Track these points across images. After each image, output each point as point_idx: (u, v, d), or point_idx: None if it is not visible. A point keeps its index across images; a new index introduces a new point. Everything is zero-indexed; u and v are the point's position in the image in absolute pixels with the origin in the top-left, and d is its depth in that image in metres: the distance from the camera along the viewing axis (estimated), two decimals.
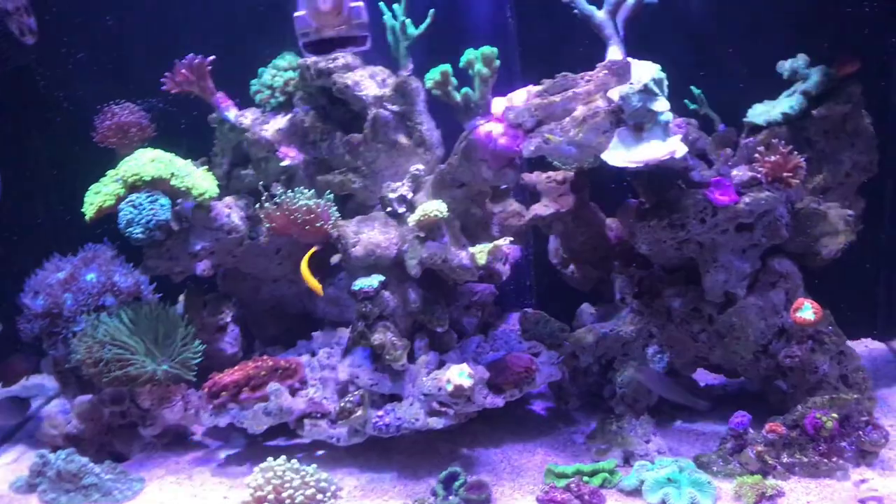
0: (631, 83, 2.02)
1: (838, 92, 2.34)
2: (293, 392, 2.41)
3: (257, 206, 2.44)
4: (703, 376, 2.63)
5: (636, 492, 2.15)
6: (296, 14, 1.91)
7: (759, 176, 2.20)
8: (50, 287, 2.55)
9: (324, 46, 1.96)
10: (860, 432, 2.16)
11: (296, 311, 2.78)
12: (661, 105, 2.02)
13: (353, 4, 1.86)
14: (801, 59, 2.38)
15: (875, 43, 2.48)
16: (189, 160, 2.49)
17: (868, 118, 2.38)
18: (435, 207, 2.18)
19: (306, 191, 2.35)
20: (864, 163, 2.39)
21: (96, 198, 2.40)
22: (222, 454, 2.56)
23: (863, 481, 2.06)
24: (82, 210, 2.43)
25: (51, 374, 2.76)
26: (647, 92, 2.00)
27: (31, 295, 2.57)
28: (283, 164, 2.44)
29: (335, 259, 2.74)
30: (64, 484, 2.39)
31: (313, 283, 2.24)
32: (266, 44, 2.59)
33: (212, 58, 2.43)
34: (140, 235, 2.37)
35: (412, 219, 2.23)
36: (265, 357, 2.50)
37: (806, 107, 2.35)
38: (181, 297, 2.67)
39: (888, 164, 2.50)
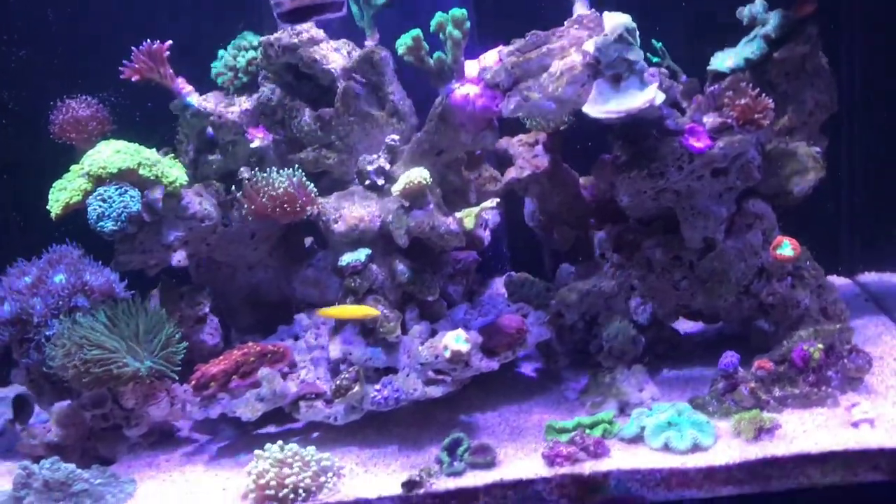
0: (605, 34, 2.04)
1: (797, 33, 2.41)
2: (284, 376, 2.38)
3: (232, 190, 2.39)
4: (682, 325, 2.69)
5: (638, 439, 2.18)
6: None
7: (729, 121, 2.25)
8: (17, 293, 2.46)
9: (299, 15, 1.93)
10: (844, 360, 2.24)
11: (273, 298, 2.73)
12: (636, 55, 2.05)
13: None
14: (759, 5, 2.44)
15: None
16: (153, 149, 2.42)
17: (825, 58, 2.45)
18: (418, 174, 2.17)
19: (281, 171, 2.31)
20: (824, 101, 2.47)
21: (62, 195, 2.31)
22: (213, 447, 2.51)
23: (854, 405, 2.15)
24: (48, 208, 2.34)
25: (22, 384, 2.66)
26: (622, 41, 2.03)
27: None
28: (253, 145, 2.39)
29: (309, 241, 2.73)
30: (52, 493, 2.31)
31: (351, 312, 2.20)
32: (222, 24, 2.53)
33: (168, 43, 2.36)
34: (113, 228, 2.30)
35: (396, 188, 2.22)
36: (250, 343, 2.46)
37: (767, 51, 2.41)
38: (154, 292, 2.60)
39: (843, 101, 2.58)
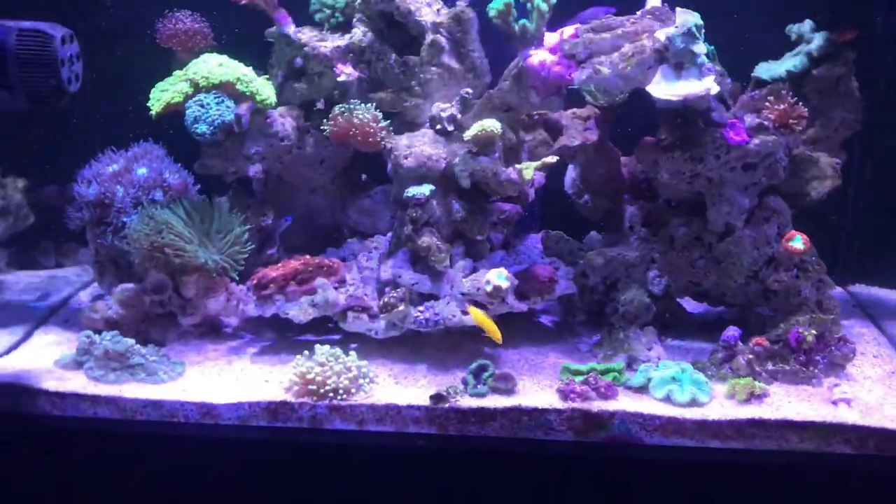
0: (676, 26, 2.31)
1: (836, 56, 2.69)
2: (334, 289, 2.63)
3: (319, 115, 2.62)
4: (687, 305, 2.97)
5: (643, 389, 2.46)
6: None
7: (766, 122, 2.52)
8: (103, 178, 2.69)
9: None
10: (832, 347, 2.53)
11: (325, 223, 2.99)
12: (700, 48, 2.32)
13: None
14: (807, 25, 2.72)
15: (864, 17, 2.85)
16: (251, 67, 2.66)
17: (856, 82, 2.74)
18: (491, 124, 2.43)
19: (362, 105, 2.57)
20: (850, 120, 2.75)
21: (164, 94, 2.56)
22: (256, 346, 2.76)
23: (836, 385, 2.44)
24: (147, 105, 2.58)
25: (88, 263, 2.89)
26: (689, 35, 2.30)
27: (84, 184, 2.70)
28: (339, 79, 2.63)
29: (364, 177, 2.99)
30: (111, 362, 2.55)
31: (489, 325, 2.42)
32: None
33: None
34: (205, 132, 2.55)
35: (468, 134, 2.48)
36: (308, 256, 2.71)
37: (808, 67, 2.69)
38: (224, 198, 2.84)
39: (864, 124, 2.86)
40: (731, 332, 2.56)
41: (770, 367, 2.52)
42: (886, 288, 3.15)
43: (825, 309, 2.64)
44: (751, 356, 2.52)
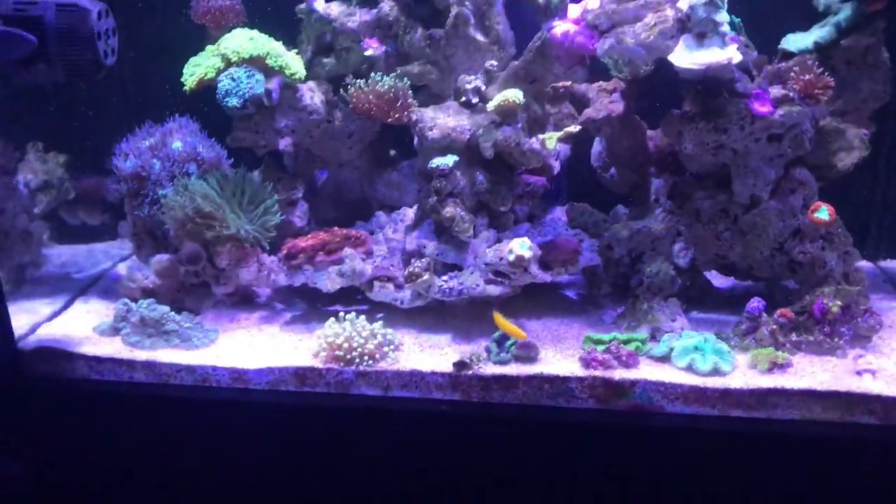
0: None
1: (865, 26, 2.65)
2: (361, 260, 2.69)
3: (340, 92, 2.69)
4: (715, 279, 2.97)
5: (665, 358, 2.48)
6: None
7: (791, 94, 2.51)
8: (140, 151, 2.78)
9: None
10: (858, 319, 2.51)
11: (353, 197, 3.05)
12: (723, 17, 2.32)
13: None
14: None
15: None
16: (280, 42, 2.73)
17: (886, 52, 2.71)
18: (513, 94, 2.47)
19: (385, 76, 2.62)
20: (879, 91, 2.72)
21: (197, 69, 2.64)
22: (287, 315, 2.84)
23: (860, 356, 2.44)
24: (181, 80, 2.67)
25: (126, 235, 2.99)
26: (711, 4, 2.30)
27: (122, 158, 2.80)
28: (367, 53, 2.69)
29: (393, 153, 3.04)
30: (147, 329, 2.65)
31: (512, 328, 2.46)
32: None
33: None
34: (236, 105, 2.62)
35: (491, 104, 2.51)
36: (337, 228, 2.78)
37: (836, 37, 2.66)
38: (257, 172, 2.91)
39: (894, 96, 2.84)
40: (756, 303, 2.56)
41: (794, 338, 2.52)
42: None
43: (851, 281, 2.63)
44: (774, 327, 2.52)
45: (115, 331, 2.70)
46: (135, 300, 2.71)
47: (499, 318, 2.47)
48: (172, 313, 2.66)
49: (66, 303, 2.94)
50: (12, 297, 2.90)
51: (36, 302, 2.93)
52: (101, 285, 3.10)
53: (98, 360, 2.57)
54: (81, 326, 2.75)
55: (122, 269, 3.23)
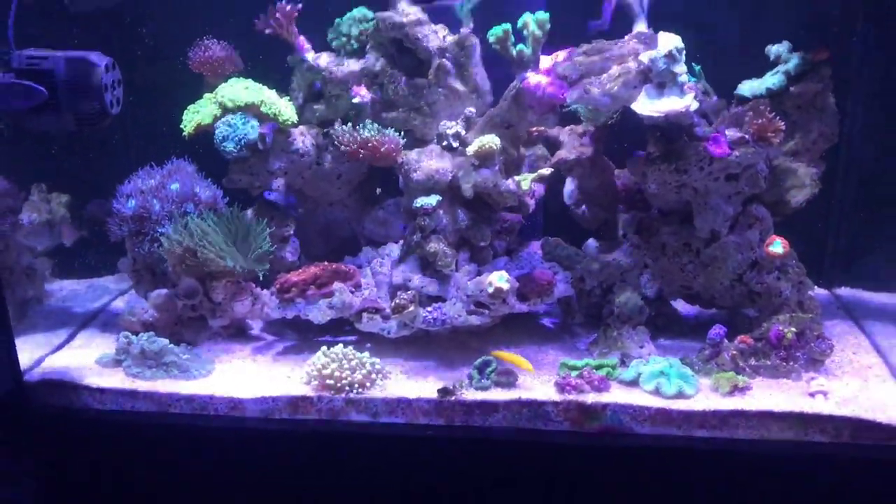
0: (657, 50, 2.54)
1: (813, 73, 2.89)
2: (350, 293, 2.86)
3: (328, 134, 2.88)
4: (681, 307, 3.16)
5: (634, 383, 2.65)
6: None
7: (746, 136, 2.73)
8: (141, 193, 2.95)
9: None
10: (811, 344, 2.71)
11: (343, 234, 3.23)
12: (680, 69, 2.55)
13: None
14: (784, 45, 2.92)
15: (844, 37, 3.06)
16: (273, 90, 2.92)
17: (832, 98, 2.94)
18: (491, 139, 2.68)
19: (375, 124, 2.82)
20: (827, 133, 2.95)
21: (195, 116, 2.82)
22: (279, 346, 2.99)
23: (812, 378, 2.63)
24: (180, 126, 2.85)
25: (127, 271, 3.15)
26: (670, 57, 2.53)
27: (123, 199, 2.96)
28: (354, 101, 2.88)
29: (379, 190, 3.23)
30: (147, 360, 2.80)
31: (517, 360, 2.64)
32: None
33: (300, 6, 2.86)
34: (232, 150, 2.80)
35: (470, 148, 2.72)
36: (327, 263, 2.95)
37: (786, 84, 2.89)
38: (251, 210, 3.09)
39: (844, 136, 3.06)
40: (717, 330, 2.75)
41: (753, 362, 2.71)
42: (868, 290, 3.33)
43: (805, 308, 2.83)
44: (735, 352, 2.71)
45: (117, 363, 2.84)
46: (135, 333, 2.84)
47: (501, 355, 2.64)
48: (171, 345, 2.80)
49: (68, 336, 3.09)
50: (17, 330, 3.03)
51: (40, 335, 3.08)
52: (101, 319, 3.25)
53: (101, 390, 2.70)
54: (84, 359, 2.89)
55: (120, 303, 3.38)
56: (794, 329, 2.70)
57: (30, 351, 2.92)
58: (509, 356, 2.65)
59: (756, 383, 2.65)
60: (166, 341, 2.81)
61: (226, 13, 3.15)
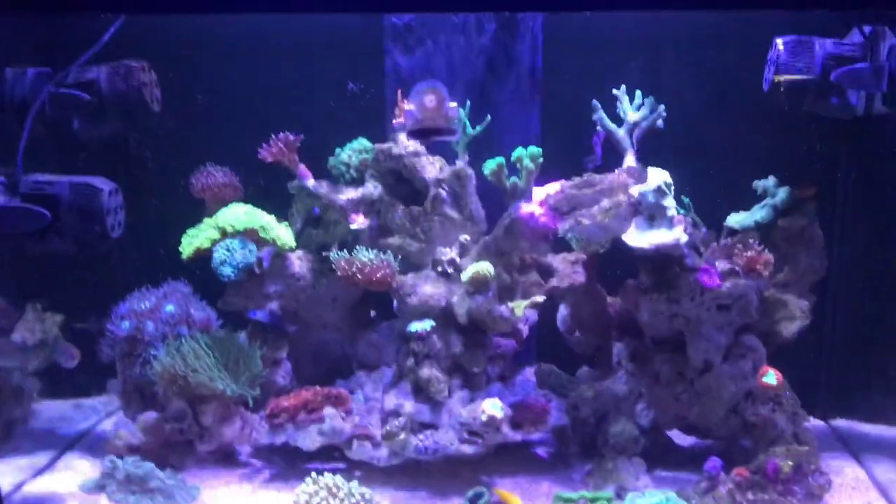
0: (647, 184, 2.62)
1: (799, 208, 2.98)
2: (342, 419, 2.83)
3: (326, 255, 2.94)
4: (677, 437, 3.12)
5: None
6: (405, 107, 2.48)
7: (736, 268, 2.78)
8: (136, 314, 2.96)
9: (424, 134, 2.52)
10: (809, 478, 2.67)
11: (335, 356, 3.23)
12: (669, 202, 2.62)
13: (450, 105, 2.44)
14: (771, 181, 3.02)
15: (830, 174, 3.17)
16: (272, 216, 2.99)
17: (820, 231, 3.01)
18: (485, 267, 2.73)
19: (371, 251, 2.87)
20: (816, 266, 3.01)
21: (194, 240, 2.87)
22: (267, 472, 2.94)
23: None
24: (179, 249, 2.90)
25: (115, 393, 3.12)
26: (659, 192, 2.61)
27: (118, 321, 2.97)
28: (353, 227, 2.94)
29: (373, 313, 3.25)
30: (131, 486, 2.74)
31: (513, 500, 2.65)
32: (335, 128, 3.16)
33: (301, 136, 2.96)
34: (230, 274, 2.84)
35: (465, 275, 2.76)
36: (318, 387, 2.93)
37: (773, 218, 2.97)
38: (244, 333, 3.09)
39: (833, 268, 3.12)
40: (713, 462, 2.71)
41: (750, 496, 2.66)
42: (865, 422, 3.30)
43: (801, 441, 2.80)
44: (731, 486, 2.66)
45: (100, 488, 2.77)
46: (121, 457, 2.80)
47: (502, 494, 2.60)
48: (157, 470, 2.75)
49: (51, 459, 3.02)
50: (0, 452, 2.98)
51: (23, 458, 3.01)
52: (86, 442, 3.19)
53: None
54: (67, 484, 2.83)
55: (108, 425, 3.33)
56: (790, 462, 2.66)
57: (11, 474, 2.86)
58: (510, 497, 2.60)
59: None
60: (152, 465, 2.75)
61: (227, 139, 3.26)
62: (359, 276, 2.79)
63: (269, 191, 3.18)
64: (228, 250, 2.84)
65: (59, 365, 3.14)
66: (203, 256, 2.90)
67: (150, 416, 2.91)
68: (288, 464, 2.97)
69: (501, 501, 2.62)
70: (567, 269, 3.02)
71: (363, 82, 3.23)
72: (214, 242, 2.86)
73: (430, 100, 2.35)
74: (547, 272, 3.13)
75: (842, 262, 3.18)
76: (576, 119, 2.97)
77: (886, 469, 2.90)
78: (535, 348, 3.39)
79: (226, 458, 3.02)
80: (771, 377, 2.76)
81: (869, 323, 3.15)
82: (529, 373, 3.15)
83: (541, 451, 3.11)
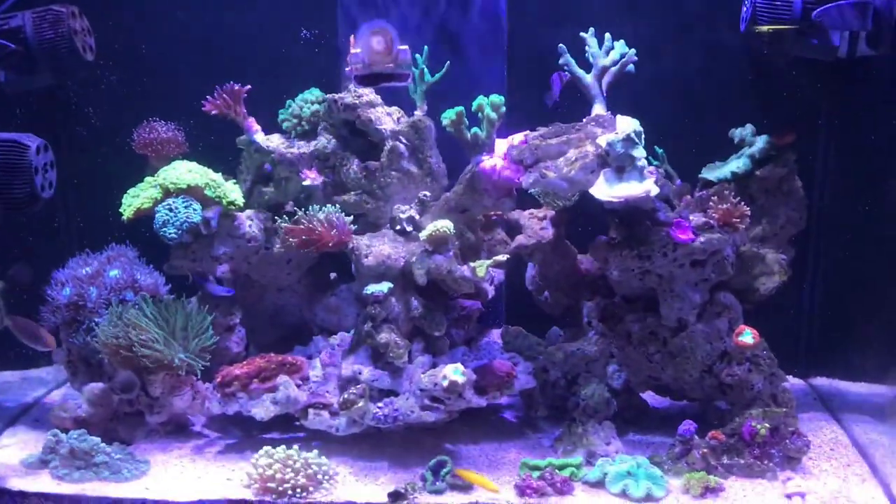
0: (616, 133, 2.45)
1: (778, 157, 2.82)
2: (297, 387, 2.69)
3: (278, 220, 2.76)
4: (651, 399, 3.00)
5: (599, 483, 2.49)
6: (352, 50, 2.29)
7: (711, 221, 2.63)
8: (77, 280, 2.79)
9: (372, 79, 2.34)
10: (787, 441, 2.56)
11: (293, 321, 3.07)
12: (640, 152, 2.45)
13: (400, 48, 2.25)
14: (748, 129, 2.86)
15: (809, 121, 3.00)
16: (219, 173, 2.80)
17: (799, 181, 2.86)
18: (444, 224, 2.56)
19: (326, 207, 2.69)
20: (795, 218, 2.87)
21: (135, 200, 2.68)
22: (221, 444, 2.80)
23: (789, 479, 2.47)
24: (120, 211, 2.71)
25: (61, 363, 2.96)
26: (629, 141, 2.44)
27: (58, 287, 2.80)
28: (305, 183, 2.77)
29: (334, 275, 3.09)
30: (76, 461, 2.60)
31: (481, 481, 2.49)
32: (293, 79, 2.96)
33: (248, 87, 2.76)
34: (173, 235, 2.66)
35: (424, 234, 2.59)
36: (272, 354, 2.78)
37: (751, 168, 2.82)
38: (194, 298, 2.92)
39: (813, 221, 2.98)
40: (687, 426, 2.60)
41: (725, 460, 2.55)
42: (846, 380, 3.18)
43: (779, 402, 2.68)
44: (706, 450, 2.55)
45: (43, 463, 2.63)
46: (66, 430, 2.65)
47: (465, 474, 2.47)
48: (103, 444, 2.61)
49: None
50: None
51: None
52: (32, 414, 3.04)
53: (24, 494, 2.50)
54: (10, 458, 2.69)
55: (57, 396, 3.18)
56: (767, 425, 2.55)
57: None
58: (473, 476, 2.47)
59: (729, 484, 2.49)
60: (97, 440, 2.61)
61: (175, 91, 3.07)
62: (309, 240, 2.62)
63: (223, 147, 3.00)
64: (171, 210, 2.66)
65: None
66: (146, 217, 2.72)
67: (97, 386, 2.77)
68: (244, 434, 2.84)
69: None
70: (534, 225, 2.87)
71: (317, 28, 3.03)
72: (156, 202, 2.68)
73: (377, 41, 2.17)
74: (515, 230, 2.98)
75: (822, 214, 3.03)
76: (544, 66, 2.80)
77: (866, 429, 2.78)
78: (505, 309, 3.25)
79: (178, 430, 2.88)
80: (747, 336, 2.63)
81: (850, 278, 3.02)
82: (497, 335, 3.01)
83: (509, 415, 2.99)
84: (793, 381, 3.23)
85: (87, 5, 2.74)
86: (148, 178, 2.75)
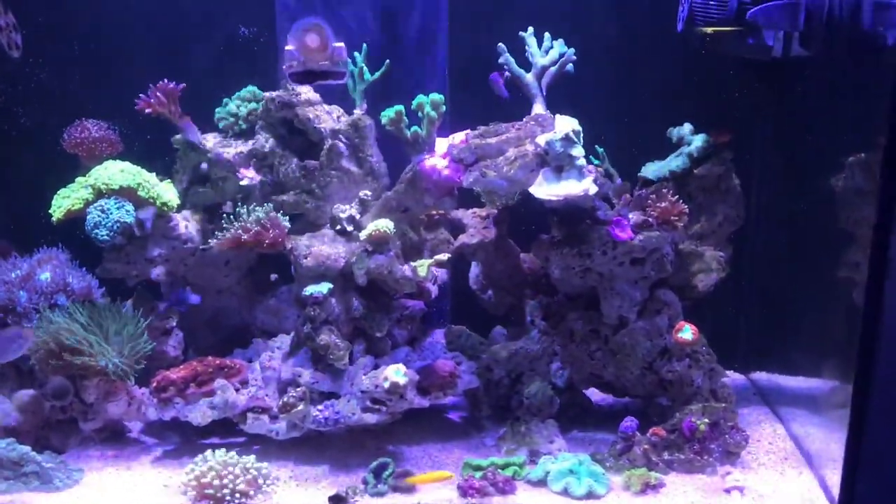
0: (555, 132, 2.45)
1: (715, 156, 2.86)
2: (236, 391, 2.64)
3: (215, 221, 2.70)
4: (594, 396, 3.02)
5: (542, 482, 2.49)
6: (286, 47, 2.25)
7: (650, 220, 2.65)
8: (6, 284, 2.69)
9: (306, 77, 2.30)
10: (726, 436, 2.59)
11: (233, 323, 3.01)
12: (578, 151, 2.46)
13: (335, 45, 2.21)
14: (686, 128, 2.89)
15: (747, 120, 3.04)
16: (153, 174, 2.73)
17: (737, 179, 2.90)
18: (385, 224, 2.53)
19: (263, 206, 2.65)
20: (732, 215, 2.91)
21: (65, 202, 2.60)
22: (158, 450, 2.73)
23: (728, 473, 2.49)
24: (49, 212, 2.63)
25: None
26: (567, 140, 2.44)
27: None
28: (242, 183, 2.71)
29: (274, 277, 3.04)
30: (4, 471, 2.50)
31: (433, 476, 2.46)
32: (230, 76, 2.90)
33: (183, 85, 2.70)
34: (105, 237, 2.58)
35: (364, 233, 2.56)
36: (210, 357, 2.72)
37: (689, 166, 2.84)
38: (129, 301, 2.85)
39: (751, 218, 3.02)
40: (629, 422, 2.61)
41: (666, 456, 2.57)
42: (784, 374, 3.24)
43: (719, 397, 2.72)
44: (647, 446, 2.57)
45: None
46: None
47: (414, 479, 2.45)
48: (33, 453, 2.52)
49: None
50: None
51: None
52: None
53: None
54: None
55: None
56: (707, 420, 2.57)
57: None
58: (422, 478, 2.45)
59: (670, 479, 2.51)
60: (27, 448, 2.52)
61: (109, 90, 2.98)
62: (246, 239, 2.57)
63: (161, 147, 2.93)
64: (103, 212, 2.58)
65: None
66: (77, 219, 2.64)
67: (27, 393, 2.68)
68: (183, 440, 2.78)
69: (408, 469, 2.47)
70: (477, 224, 2.86)
71: (255, 25, 2.98)
72: (88, 203, 2.60)
73: (312, 39, 2.13)
74: (458, 229, 2.96)
75: (759, 212, 3.08)
76: (485, 65, 2.78)
77: (802, 421, 2.83)
78: (450, 309, 3.23)
79: (114, 436, 2.81)
80: (687, 332, 2.66)
81: (787, 274, 3.07)
82: (440, 335, 2.99)
83: (454, 415, 2.98)
84: (733, 376, 3.30)
85: (14, 2, 2.64)
86: (79, 179, 2.66)
